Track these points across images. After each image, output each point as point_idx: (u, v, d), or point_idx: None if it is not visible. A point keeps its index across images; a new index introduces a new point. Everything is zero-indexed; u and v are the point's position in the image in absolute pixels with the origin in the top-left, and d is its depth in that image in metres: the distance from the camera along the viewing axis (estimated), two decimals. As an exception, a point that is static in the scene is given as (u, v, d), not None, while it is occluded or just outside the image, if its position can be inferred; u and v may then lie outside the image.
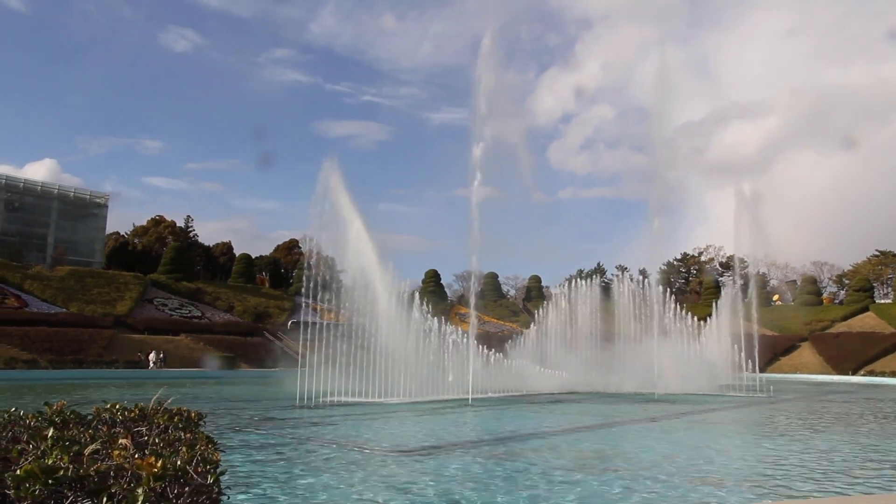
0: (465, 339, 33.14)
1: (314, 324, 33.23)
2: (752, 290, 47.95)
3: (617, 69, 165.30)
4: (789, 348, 74.90)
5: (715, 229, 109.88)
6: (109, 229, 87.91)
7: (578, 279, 46.18)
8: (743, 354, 40.61)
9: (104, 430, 3.42)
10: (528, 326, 44.93)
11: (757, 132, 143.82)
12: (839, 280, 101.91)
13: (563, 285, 45.53)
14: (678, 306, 44.13)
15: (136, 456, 2.57)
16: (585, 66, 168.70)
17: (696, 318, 44.46)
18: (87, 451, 2.59)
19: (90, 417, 3.76)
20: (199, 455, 2.82)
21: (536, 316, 44.62)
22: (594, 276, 47.73)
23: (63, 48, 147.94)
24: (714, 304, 45.90)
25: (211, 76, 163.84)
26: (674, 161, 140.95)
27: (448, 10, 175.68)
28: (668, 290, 46.44)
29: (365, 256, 30.13)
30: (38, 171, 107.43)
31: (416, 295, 32.47)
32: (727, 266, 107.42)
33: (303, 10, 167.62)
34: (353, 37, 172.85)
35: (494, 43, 34.41)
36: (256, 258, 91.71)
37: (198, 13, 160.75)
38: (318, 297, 29.82)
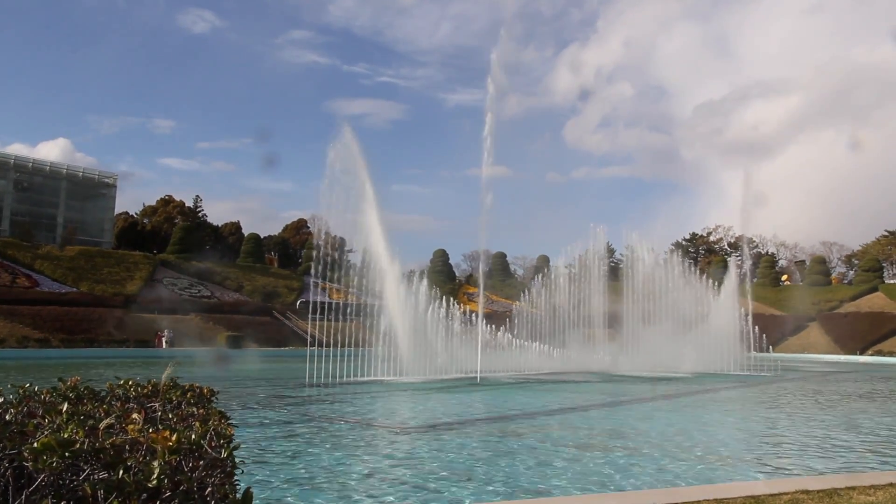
0: (473, 319, 33.22)
1: (323, 303, 33.35)
2: (758, 270, 47.65)
3: (638, 46, 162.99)
4: (798, 328, 74.80)
5: (731, 209, 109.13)
6: (122, 209, 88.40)
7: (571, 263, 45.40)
8: (751, 334, 40.58)
9: (118, 405, 3.45)
10: (534, 305, 44.60)
11: (777, 111, 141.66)
12: (848, 260, 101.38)
13: (571, 265, 45.24)
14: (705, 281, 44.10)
15: (151, 430, 2.59)
16: (606, 43, 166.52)
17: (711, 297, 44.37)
18: (101, 426, 2.62)
19: (104, 393, 3.80)
20: (213, 430, 2.84)
21: (535, 294, 44.00)
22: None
23: (79, 28, 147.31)
24: (721, 285, 45.70)
25: (228, 57, 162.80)
26: (692, 140, 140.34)
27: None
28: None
29: (373, 236, 29.98)
30: (52, 151, 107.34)
31: (425, 276, 32.48)
32: (735, 246, 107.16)
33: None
34: (372, 18, 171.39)
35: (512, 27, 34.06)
36: (265, 238, 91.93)
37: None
38: (327, 277, 29.86)
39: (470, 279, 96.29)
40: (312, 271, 30.08)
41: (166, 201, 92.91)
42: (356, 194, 29.72)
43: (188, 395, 3.86)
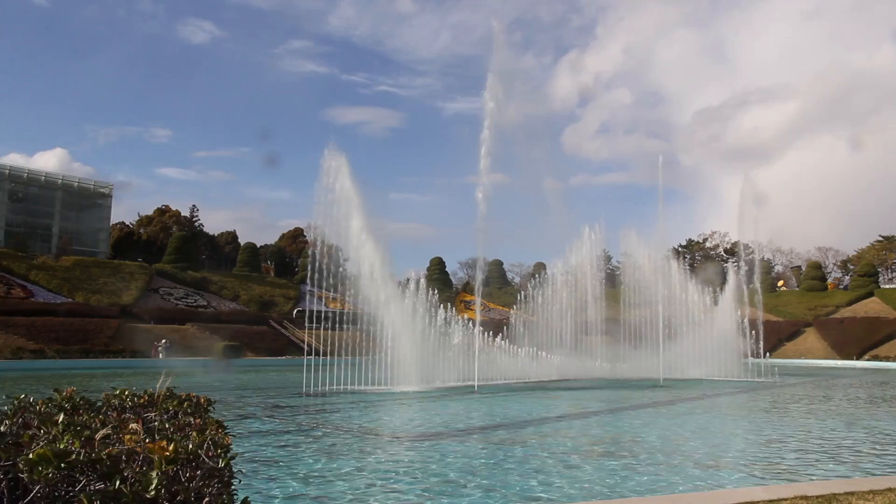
0: (470, 327, 33.17)
1: (320, 312, 33.28)
2: (757, 276, 47.75)
3: (637, 52, 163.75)
4: (794, 333, 74.76)
5: (728, 215, 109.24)
6: (118, 219, 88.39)
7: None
8: (748, 340, 40.56)
9: (114, 415, 3.43)
10: (531, 312, 44.42)
11: (776, 117, 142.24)
12: (844, 265, 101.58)
13: (568, 272, 45.13)
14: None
15: (148, 440, 2.58)
16: (605, 49, 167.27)
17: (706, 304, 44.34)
18: (97, 436, 2.60)
19: (100, 404, 3.78)
20: (210, 439, 2.83)
21: (532, 300, 43.76)
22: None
23: (78, 37, 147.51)
24: (718, 291, 45.70)
25: (227, 67, 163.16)
26: (690, 147, 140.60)
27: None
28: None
29: (367, 252, 29.88)
30: (49, 161, 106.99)
31: (422, 283, 32.41)
32: (731, 252, 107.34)
33: (322, 1, 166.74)
34: (371, 27, 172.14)
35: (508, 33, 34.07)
36: (261, 247, 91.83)
37: (218, 5, 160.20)
38: (324, 286, 29.79)
39: (467, 287, 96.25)
40: (308, 280, 29.98)
41: (162, 211, 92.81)
42: (349, 204, 29.73)
43: (185, 405, 3.84)
